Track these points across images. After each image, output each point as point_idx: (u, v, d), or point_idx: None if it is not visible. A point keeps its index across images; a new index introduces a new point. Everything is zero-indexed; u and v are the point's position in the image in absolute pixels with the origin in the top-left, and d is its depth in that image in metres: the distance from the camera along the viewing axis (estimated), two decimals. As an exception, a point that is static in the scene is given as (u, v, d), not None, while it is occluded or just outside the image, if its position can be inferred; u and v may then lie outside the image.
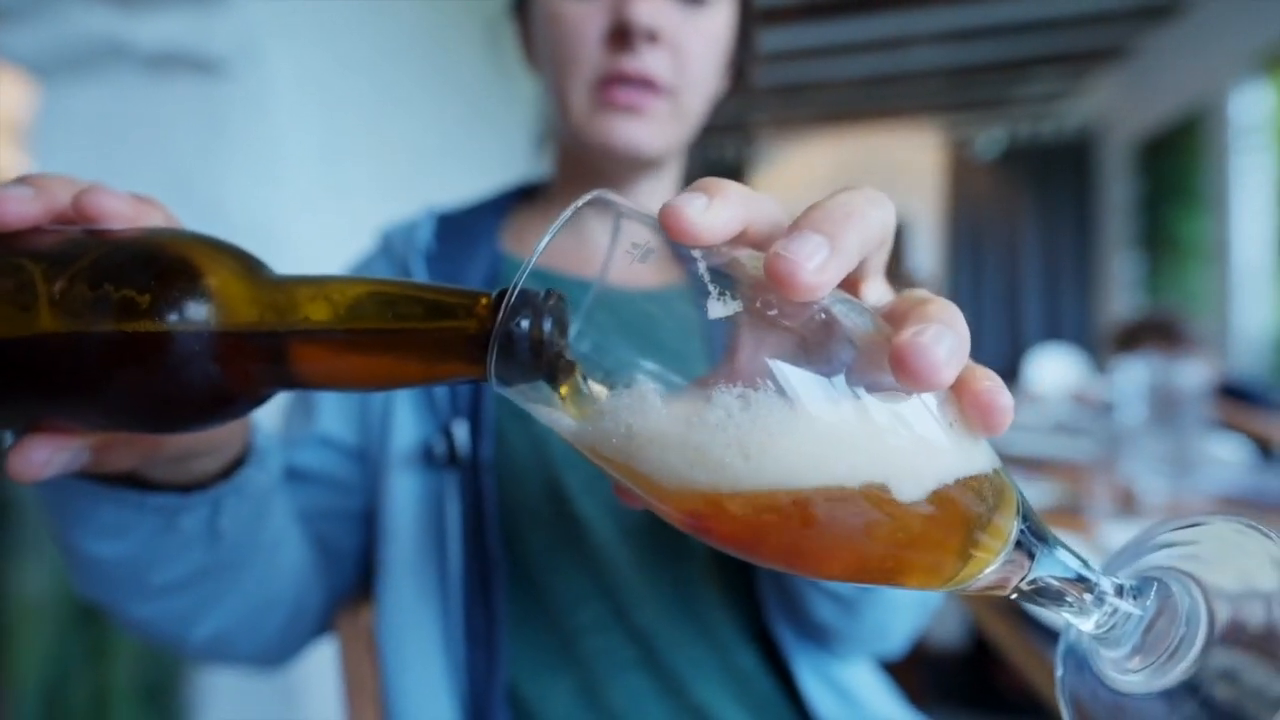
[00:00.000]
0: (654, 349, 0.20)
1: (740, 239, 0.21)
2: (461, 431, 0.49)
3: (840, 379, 0.19)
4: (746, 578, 0.51)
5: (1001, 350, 4.34)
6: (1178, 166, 3.41)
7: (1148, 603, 0.21)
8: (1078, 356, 3.51)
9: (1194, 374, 1.20)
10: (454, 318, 0.21)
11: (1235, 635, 0.19)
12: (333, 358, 0.23)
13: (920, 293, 0.22)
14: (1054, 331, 4.26)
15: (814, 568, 0.21)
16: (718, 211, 0.20)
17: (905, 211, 4.61)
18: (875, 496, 0.19)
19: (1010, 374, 3.82)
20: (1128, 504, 1.10)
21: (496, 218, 0.58)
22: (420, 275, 0.52)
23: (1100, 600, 0.21)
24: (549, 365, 0.21)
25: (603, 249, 0.21)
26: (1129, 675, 0.21)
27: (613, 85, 0.49)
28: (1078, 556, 0.22)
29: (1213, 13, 3.01)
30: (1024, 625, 0.78)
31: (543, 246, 0.20)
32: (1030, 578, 0.21)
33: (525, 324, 0.20)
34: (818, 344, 0.19)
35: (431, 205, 0.59)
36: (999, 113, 4.49)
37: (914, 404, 0.19)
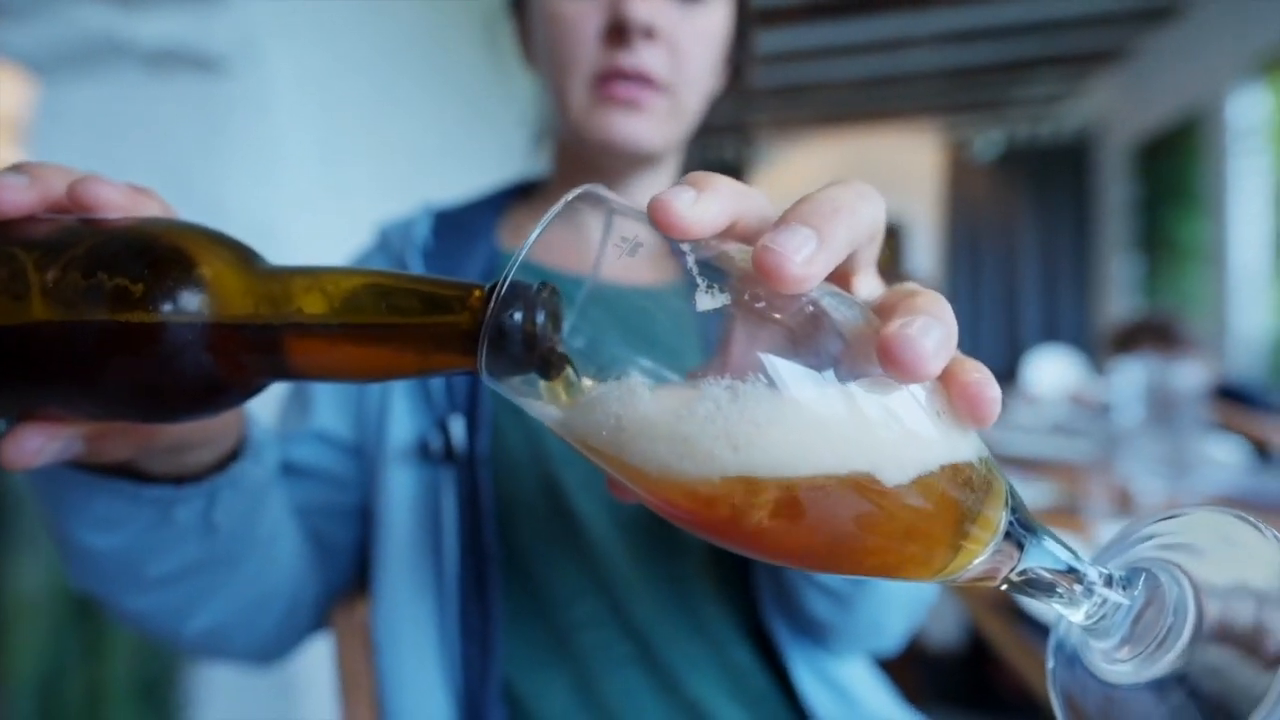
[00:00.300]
0: (648, 345, 0.20)
1: (729, 232, 0.21)
2: (458, 427, 0.49)
3: (828, 371, 0.19)
4: (742, 574, 0.51)
5: (999, 351, 4.34)
6: (1176, 169, 3.41)
7: (1136, 593, 0.21)
8: (1076, 358, 3.51)
9: (1191, 375, 1.20)
10: (448, 310, 0.21)
11: (1222, 626, 0.19)
12: (327, 349, 0.23)
13: (909, 286, 0.23)
14: (1052, 333, 4.27)
15: (802, 559, 0.21)
16: (706, 205, 0.20)
17: (904, 213, 4.61)
18: (863, 485, 0.19)
19: (1008, 375, 3.82)
20: (1125, 504, 1.10)
21: (494, 214, 0.58)
22: (417, 271, 0.52)
23: (1089, 591, 0.21)
24: (541, 358, 0.21)
25: (595, 242, 0.21)
26: (1118, 666, 0.21)
27: (611, 81, 0.49)
28: (1066, 547, 0.22)
29: (1211, 15, 3.02)
30: (1021, 624, 0.78)
31: (533, 239, 0.20)
32: (1019, 568, 0.21)
33: (518, 317, 0.20)
34: (806, 336, 0.19)
35: (429, 202, 0.59)
36: (998, 114, 4.50)
37: (902, 395, 0.19)
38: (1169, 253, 3.59)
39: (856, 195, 0.21)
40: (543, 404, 0.21)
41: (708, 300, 0.19)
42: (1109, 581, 0.22)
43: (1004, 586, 0.22)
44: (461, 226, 0.56)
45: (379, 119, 1.55)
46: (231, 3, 1.11)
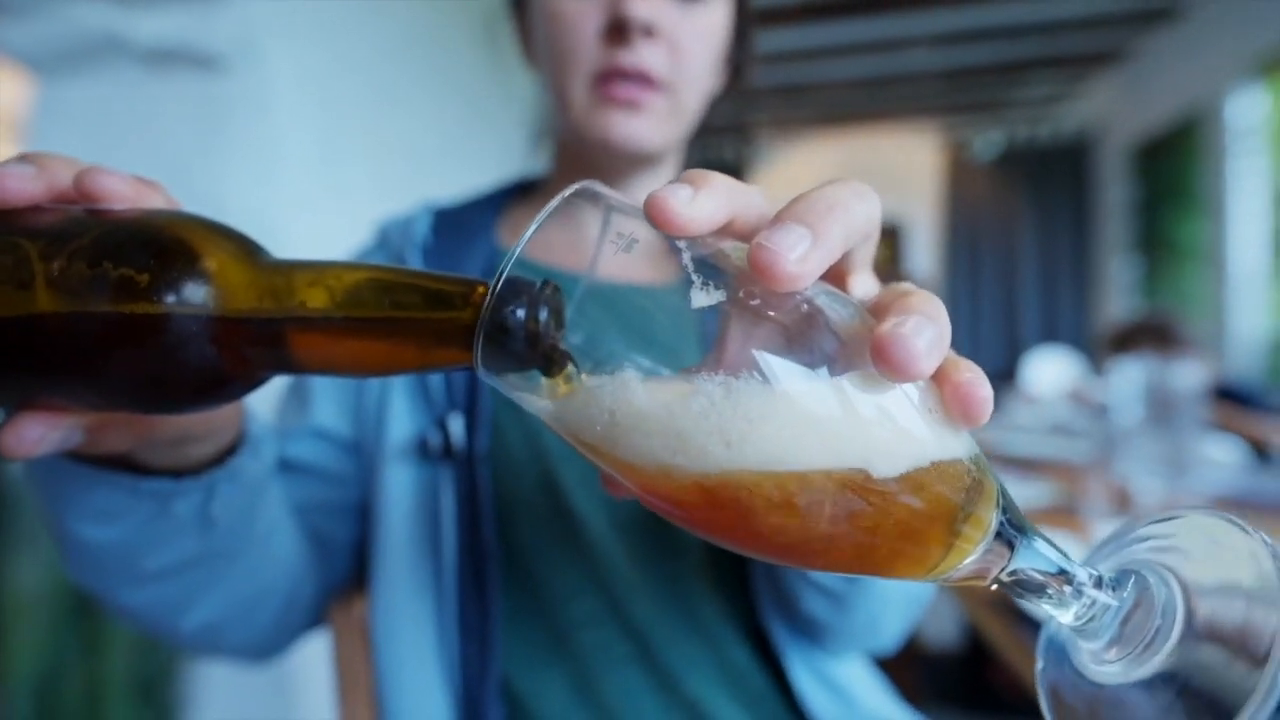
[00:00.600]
0: (645, 342, 0.20)
1: (726, 229, 0.21)
2: (457, 424, 0.49)
3: (822, 368, 0.19)
4: (741, 573, 0.51)
5: (998, 351, 4.35)
6: (1175, 170, 3.42)
7: (1125, 594, 0.22)
8: (1074, 358, 3.52)
9: (1189, 375, 1.20)
10: (450, 306, 0.21)
11: (1211, 628, 0.20)
12: (329, 343, 0.23)
13: (904, 285, 0.23)
14: (1051, 333, 4.27)
15: (795, 555, 0.21)
16: (703, 202, 0.20)
17: (903, 213, 4.62)
18: (854, 481, 0.19)
19: (1007, 375, 3.82)
20: (1123, 504, 1.10)
21: (493, 213, 0.58)
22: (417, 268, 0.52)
23: (1078, 592, 0.22)
24: (544, 355, 0.21)
25: (593, 238, 0.21)
26: (1106, 666, 0.21)
27: (611, 80, 0.49)
28: (1057, 549, 0.22)
29: (1210, 16, 3.02)
30: (1018, 624, 0.78)
31: (530, 233, 0.20)
32: (1010, 569, 0.21)
33: (521, 313, 0.20)
34: (800, 334, 0.19)
35: (428, 200, 0.60)
36: (997, 115, 4.50)
37: (895, 393, 0.19)
38: (1168, 253, 3.59)
39: (852, 193, 0.21)
40: (537, 398, 0.21)
41: (703, 297, 0.19)
42: (1098, 583, 0.22)
43: (994, 586, 0.22)
44: (461, 225, 0.56)
45: (378, 118, 1.55)
46: (231, 1, 1.11)
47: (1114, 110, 4.01)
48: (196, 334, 0.22)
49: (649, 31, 0.48)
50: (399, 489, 0.49)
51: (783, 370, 0.19)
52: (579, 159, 0.55)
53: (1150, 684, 0.20)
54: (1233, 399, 1.79)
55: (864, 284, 0.26)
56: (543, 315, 0.21)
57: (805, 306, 0.20)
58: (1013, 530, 0.21)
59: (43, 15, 1.09)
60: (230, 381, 0.24)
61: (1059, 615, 0.22)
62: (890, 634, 0.52)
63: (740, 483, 0.19)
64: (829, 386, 0.19)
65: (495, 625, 0.48)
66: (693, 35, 0.50)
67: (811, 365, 0.19)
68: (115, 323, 0.21)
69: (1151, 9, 3.14)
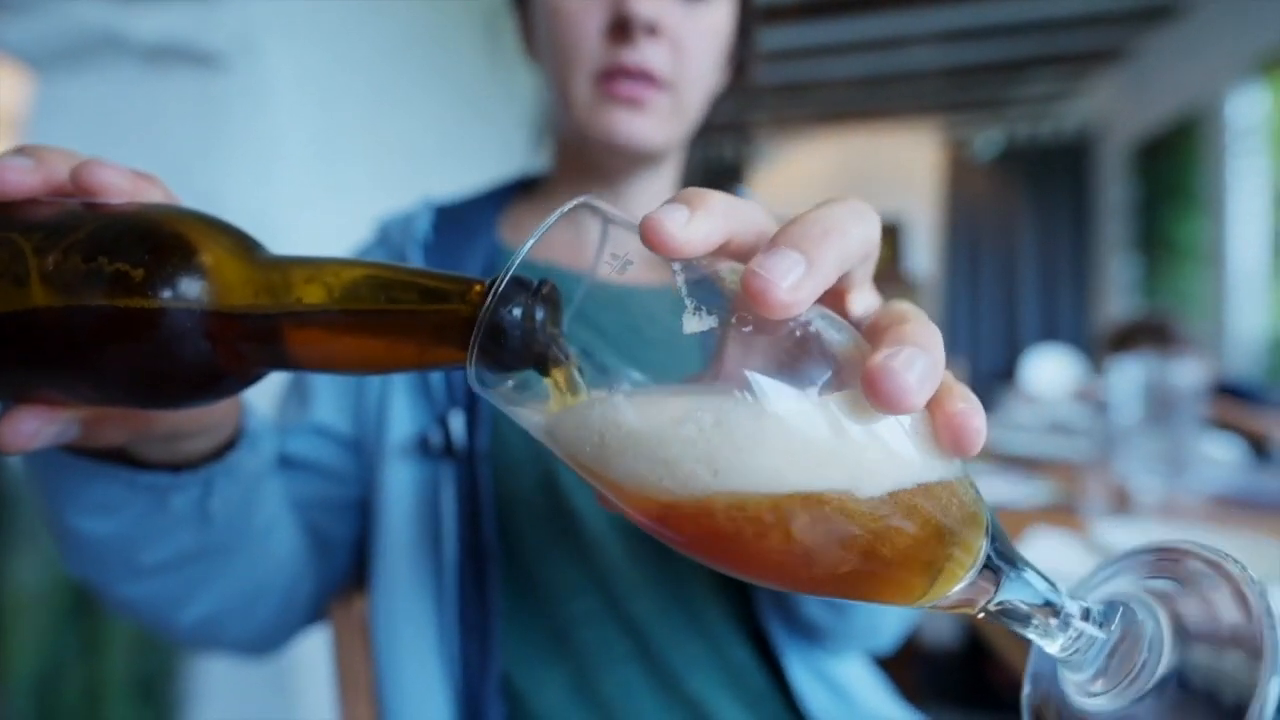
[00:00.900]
0: (646, 347, 0.20)
1: (723, 250, 0.21)
2: (458, 422, 0.49)
3: (814, 395, 0.19)
4: (740, 572, 0.51)
5: (998, 350, 4.34)
6: (1175, 169, 3.42)
7: (1112, 628, 0.22)
8: (1074, 357, 3.52)
9: (1189, 374, 1.20)
10: (447, 303, 0.21)
11: (1196, 665, 0.20)
12: (325, 340, 0.22)
13: (901, 308, 0.22)
14: (1050, 332, 4.27)
15: (781, 578, 0.21)
16: (699, 224, 0.20)
17: (903, 211, 4.61)
18: (843, 506, 0.19)
19: (1007, 374, 3.83)
20: (1123, 503, 1.10)
21: (494, 210, 0.58)
22: (417, 266, 0.52)
23: (1066, 624, 0.22)
24: (539, 354, 0.21)
25: (594, 243, 0.21)
26: (1092, 698, 0.21)
27: (614, 78, 0.49)
28: (1045, 580, 0.22)
29: (1211, 15, 3.02)
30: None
31: (527, 248, 0.20)
32: (998, 599, 0.21)
33: (517, 311, 0.20)
34: (792, 360, 0.19)
35: (429, 196, 0.59)
36: (997, 113, 4.50)
37: (888, 422, 0.19)
38: (1167, 252, 3.59)
39: (849, 214, 0.21)
40: (530, 413, 0.21)
41: (695, 322, 0.19)
42: (1086, 615, 0.22)
43: (981, 615, 0.22)
44: (462, 222, 0.56)
45: (377, 115, 1.55)
46: (230, -2, 1.11)
47: (1114, 109, 4.01)
48: (192, 329, 0.22)
49: (653, 30, 0.48)
50: (399, 487, 0.49)
51: (774, 397, 0.19)
52: (581, 157, 0.55)
53: (1135, 717, 0.20)
54: (1233, 396, 1.79)
55: (863, 301, 0.26)
56: (538, 313, 0.21)
57: (798, 333, 0.19)
58: (1002, 560, 0.21)
59: (42, 12, 1.09)
60: (226, 377, 0.24)
61: (1046, 645, 0.22)
62: (889, 635, 0.52)
63: (725, 507, 0.19)
64: (821, 414, 0.19)
65: (495, 623, 0.48)
66: (696, 34, 0.50)
67: (803, 392, 0.19)
68: (110, 317, 0.21)
69: (1152, 7, 3.14)
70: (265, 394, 0.37)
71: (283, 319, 0.22)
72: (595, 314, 0.21)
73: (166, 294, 0.22)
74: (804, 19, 3.01)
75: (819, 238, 0.20)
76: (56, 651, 1.03)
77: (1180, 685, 0.20)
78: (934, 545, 0.20)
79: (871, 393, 0.18)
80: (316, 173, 1.30)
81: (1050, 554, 0.84)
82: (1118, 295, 3.97)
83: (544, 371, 0.21)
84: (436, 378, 0.51)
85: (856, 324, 0.24)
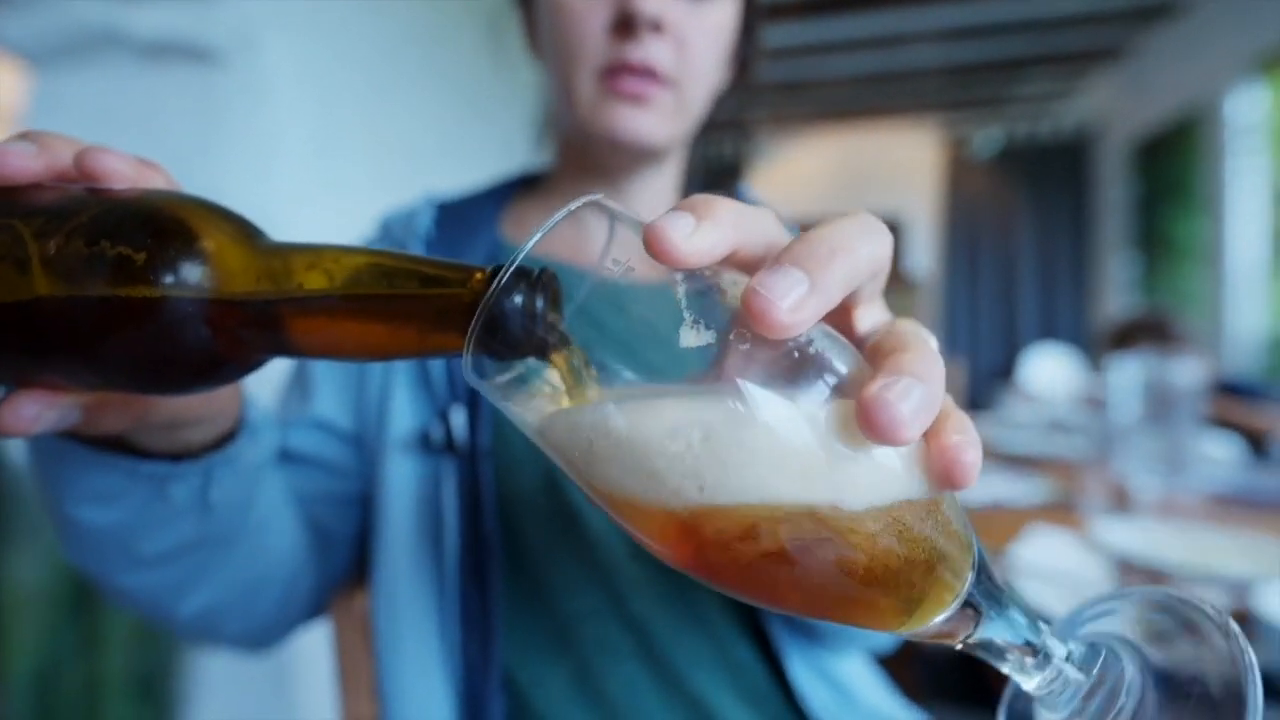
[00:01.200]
0: (646, 344, 0.20)
1: (730, 260, 0.21)
2: (459, 418, 0.49)
3: (808, 416, 0.19)
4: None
5: (997, 348, 4.35)
6: (1174, 167, 3.42)
7: (1093, 670, 0.21)
8: (1073, 356, 3.52)
9: (1188, 372, 1.20)
10: (447, 288, 0.21)
11: (1176, 711, 0.20)
12: (326, 326, 0.22)
13: (904, 332, 0.22)
14: (1049, 331, 4.28)
15: (761, 596, 0.21)
16: (704, 235, 0.19)
17: (902, 210, 4.61)
18: (831, 525, 0.19)
19: (1005, 372, 3.83)
20: (1121, 501, 1.10)
21: (496, 206, 0.58)
22: None
23: (1045, 662, 0.22)
24: (539, 342, 0.21)
25: (599, 241, 0.21)
26: None
27: (618, 75, 0.49)
28: (1028, 616, 0.22)
29: (1210, 14, 3.02)
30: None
31: (533, 241, 0.20)
32: (980, 635, 0.21)
33: (519, 298, 0.20)
34: (789, 379, 0.19)
35: (431, 192, 0.59)
36: (996, 112, 4.50)
37: (883, 450, 0.19)
38: (1167, 251, 3.60)
39: (859, 231, 0.20)
40: (523, 410, 0.21)
41: (693, 337, 0.19)
42: (1067, 656, 0.22)
43: (959, 647, 0.22)
44: (464, 217, 0.56)
45: (376, 112, 1.54)
46: (229, -6, 1.11)
47: (1114, 107, 4.01)
48: (193, 315, 0.22)
49: (657, 27, 0.48)
50: (401, 482, 0.49)
51: (766, 415, 0.18)
52: (583, 154, 0.55)
53: None
54: (1232, 394, 1.79)
55: (870, 317, 0.25)
56: (539, 301, 0.21)
57: (797, 353, 0.19)
58: (986, 595, 0.21)
59: (40, 7, 1.08)
60: (227, 363, 0.24)
61: (1023, 682, 0.22)
62: (889, 635, 0.52)
63: (711, 522, 0.19)
64: (813, 434, 0.18)
65: (496, 618, 0.48)
66: (700, 31, 0.50)
67: (798, 411, 0.19)
68: (111, 302, 0.21)
69: (1152, 6, 3.14)
70: (265, 388, 0.37)
71: (284, 305, 0.22)
72: (598, 311, 0.20)
73: (168, 279, 0.22)
74: (804, 16, 3.01)
75: (825, 257, 0.19)
76: (55, 648, 1.03)
77: None
78: (920, 571, 0.20)
79: (865, 423, 0.18)
80: (316, 169, 1.29)
81: (1049, 553, 0.84)
82: (1117, 294, 3.97)
83: (544, 358, 0.21)
84: (438, 373, 0.51)
85: (861, 340, 0.24)
